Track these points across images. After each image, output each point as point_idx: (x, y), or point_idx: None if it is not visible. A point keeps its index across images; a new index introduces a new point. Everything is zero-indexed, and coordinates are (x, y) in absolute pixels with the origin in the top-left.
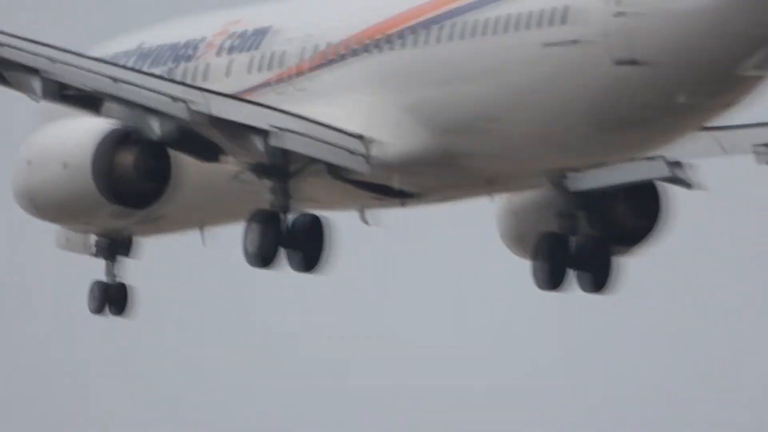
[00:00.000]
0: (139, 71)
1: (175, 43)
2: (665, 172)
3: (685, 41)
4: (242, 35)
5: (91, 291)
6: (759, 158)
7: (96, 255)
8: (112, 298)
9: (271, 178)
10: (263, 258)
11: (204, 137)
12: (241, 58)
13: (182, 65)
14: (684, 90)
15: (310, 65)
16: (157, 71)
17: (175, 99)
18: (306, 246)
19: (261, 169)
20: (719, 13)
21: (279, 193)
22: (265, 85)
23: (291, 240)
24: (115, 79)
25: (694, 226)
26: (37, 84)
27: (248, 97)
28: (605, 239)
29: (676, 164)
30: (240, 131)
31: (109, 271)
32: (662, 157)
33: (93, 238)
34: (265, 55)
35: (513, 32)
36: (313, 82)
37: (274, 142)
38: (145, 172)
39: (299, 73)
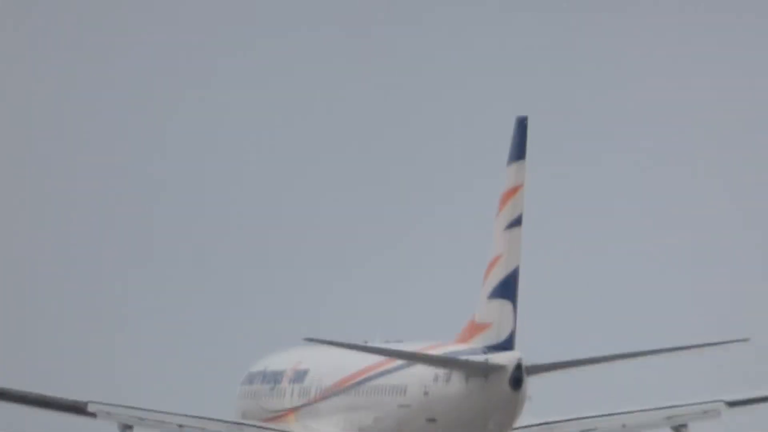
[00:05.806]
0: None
1: (275, 371)
2: None
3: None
4: (299, 372)
5: None
6: None
7: None
8: None
9: None
10: None
11: None
12: (296, 387)
13: (277, 385)
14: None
15: (317, 398)
16: (268, 385)
17: None
18: None
19: None
20: (464, 399)
21: None
22: (306, 405)
23: None
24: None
25: None
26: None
27: (297, 411)
28: None
29: None
30: None
31: None
32: None
33: None
34: (304, 387)
35: (387, 396)
36: (319, 407)
37: None
38: None
39: (315, 401)
